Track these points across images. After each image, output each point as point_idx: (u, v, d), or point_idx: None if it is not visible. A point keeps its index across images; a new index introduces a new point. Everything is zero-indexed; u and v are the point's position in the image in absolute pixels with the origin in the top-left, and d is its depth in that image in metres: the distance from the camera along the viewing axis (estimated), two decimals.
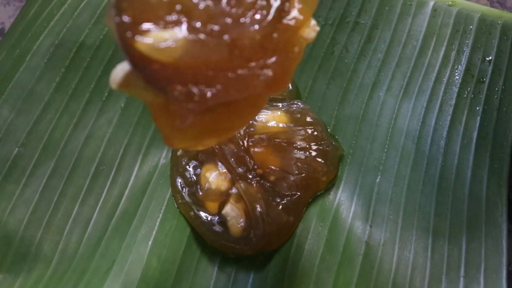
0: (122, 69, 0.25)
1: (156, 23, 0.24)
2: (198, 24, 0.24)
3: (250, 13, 0.24)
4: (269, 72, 0.24)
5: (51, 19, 0.47)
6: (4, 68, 0.45)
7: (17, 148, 0.42)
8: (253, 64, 0.24)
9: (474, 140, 0.44)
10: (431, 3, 0.50)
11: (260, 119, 0.43)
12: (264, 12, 0.25)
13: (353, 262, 0.40)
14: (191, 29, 0.24)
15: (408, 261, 0.40)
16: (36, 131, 0.43)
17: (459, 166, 0.43)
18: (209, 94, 0.23)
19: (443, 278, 0.39)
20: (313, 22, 0.26)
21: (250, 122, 0.42)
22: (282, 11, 0.25)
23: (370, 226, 0.41)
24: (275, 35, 0.24)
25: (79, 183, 0.42)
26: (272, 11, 0.25)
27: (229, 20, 0.24)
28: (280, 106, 0.44)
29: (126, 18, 0.23)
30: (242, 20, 0.24)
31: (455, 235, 0.40)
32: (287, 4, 0.25)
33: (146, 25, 0.24)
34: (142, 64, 0.23)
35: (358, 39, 0.49)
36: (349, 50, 0.49)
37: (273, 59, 0.24)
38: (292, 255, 0.40)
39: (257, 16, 0.24)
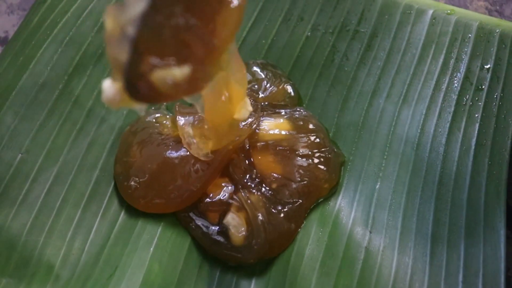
0: (109, 87, 0.27)
1: (167, 59, 0.26)
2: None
3: None
4: None
5: (55, 27, 0.48)
6: (8, 75, 0.45)
7: (20, 154, 0.43)
8: None
9: (473, 147, 0.44)
10: (430, 12, 0.50)
11: (263, 127, 0.43)
12: None
13: (353, 267, 0.40)
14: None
15: (407, 266, 0.40)
16: (39, 138, 0.43)
17: (458, 173, 0.43)
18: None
19: (442, 284, 0.39)
20: None
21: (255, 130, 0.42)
22: None
23: (370, 232, 0.41)
24: None
25: (81, 189, 0.42)
26: None
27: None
28: (283, 113, 0.44)
29: (145, 57, 0.26)
30: None
31: (453, 241, 0.40)
32: None
33: (159, 61, 0.26)
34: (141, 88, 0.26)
35: (358, 47, 0.49)
36: (349, 58, 0.49)
37: None
38: (293, 260, 0.40)
39: None
